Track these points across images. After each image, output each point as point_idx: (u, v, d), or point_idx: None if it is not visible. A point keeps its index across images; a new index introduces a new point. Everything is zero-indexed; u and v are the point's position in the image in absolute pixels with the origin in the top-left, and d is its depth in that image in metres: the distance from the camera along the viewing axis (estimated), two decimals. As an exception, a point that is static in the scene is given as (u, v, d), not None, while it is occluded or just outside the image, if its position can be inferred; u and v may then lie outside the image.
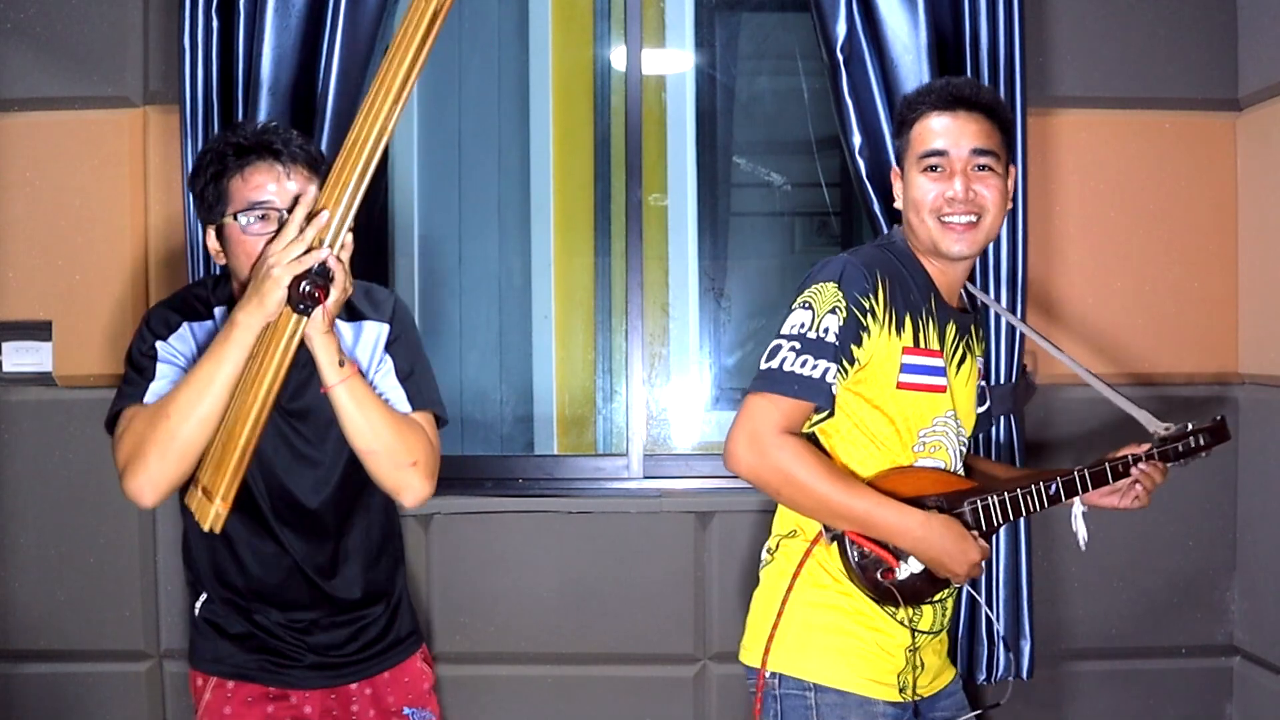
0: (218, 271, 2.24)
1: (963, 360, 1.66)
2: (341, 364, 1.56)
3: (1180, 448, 1.65)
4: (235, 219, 1.56)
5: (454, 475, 2.51)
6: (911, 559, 1.55)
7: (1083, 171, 2.42)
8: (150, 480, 1.52)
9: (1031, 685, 2.38)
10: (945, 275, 1.65)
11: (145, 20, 2.40)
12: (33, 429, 2.44)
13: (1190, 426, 1.67)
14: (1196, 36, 2.41)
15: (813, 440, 1.60)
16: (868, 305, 1.53)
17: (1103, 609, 2.45)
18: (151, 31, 2.40)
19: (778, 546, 1.67)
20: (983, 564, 1.59)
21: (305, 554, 1.71)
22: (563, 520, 2.45)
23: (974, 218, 1.58)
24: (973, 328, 1.71)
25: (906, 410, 1.57)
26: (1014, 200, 2.25)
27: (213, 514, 1.56)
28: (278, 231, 1.52)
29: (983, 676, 2.30)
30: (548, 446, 2.99)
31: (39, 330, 2.40)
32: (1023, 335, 2.28)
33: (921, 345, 1.57)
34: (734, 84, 3.13)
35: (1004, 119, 1.63)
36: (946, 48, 2.26)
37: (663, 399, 2.96)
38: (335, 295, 1.51)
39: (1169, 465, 1.66)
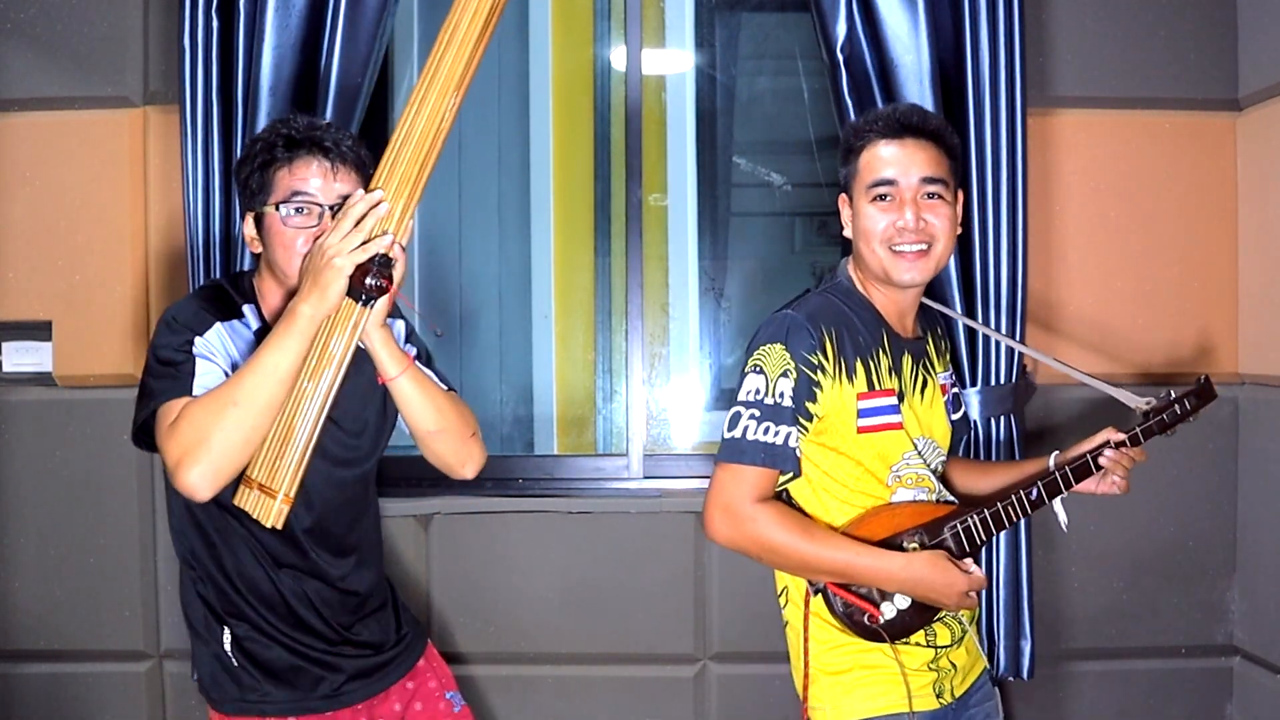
0: (219, 267, 2.26)
1: (925, 385, 1.66)
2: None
3: (1166, 418, 1.64)
4: (276, 209, 1.55)
5: (454, 475, 2.51)
6: (897, 597, 1.57)
7: (1083, 171, 2.42)
8: (213, 470, 1.45)
9: (1031, 685, 2.38)
10: (896, 304, 1.65)
11: (145, 20, 2.40)
12: (33, 429, 2.44)
13: (1173, 394, 1.66)
14: (1196, 36, 2.41)
15: (785, 496, 1.61)
16: (816, 361, 1.53)
17: (1103, 609, 2.45)
18: (151, 31, 2.40)
19: (783, 604, 1.69)
20: (976, 592, 1.59)
21: (329, 562, 1.70)
22: (563, 520, 2.45)
23: (925, 246, 1.58)
24: (930, 348, 1.71)
25: (871, 452, 1.58)
26: (1014, 201, 2.26)
27: (275, 510, 1.52)
28: (333, 223, 1.51)
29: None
30: (548, 446, 2.99)
31: (39, 330, 2.40)
32: (1025, 337, 2.29)
33: (876, 387, 1.58)
34: (734, 84, 3.13)
35: (951, 145, 1.62)
36: (946, 48, 2.26)
37: (663, 399, 2.96)
38: (397, 284, 1.51)
39: (1164, 434, 1.65)
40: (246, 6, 2.23)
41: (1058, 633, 2.44)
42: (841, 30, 2.28)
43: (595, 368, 3.03)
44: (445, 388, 1.72)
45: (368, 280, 1.47)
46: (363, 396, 1.68)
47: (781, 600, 1.69)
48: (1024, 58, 2.25)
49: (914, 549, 1.57)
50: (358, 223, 1.49)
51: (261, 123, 2.21)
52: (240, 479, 1.52)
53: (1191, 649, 2.46)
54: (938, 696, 1.61)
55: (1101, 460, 1.63)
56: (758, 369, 1.55)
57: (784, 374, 1.53)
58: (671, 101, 3.04)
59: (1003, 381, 2.28)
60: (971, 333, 2.27)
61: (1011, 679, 2.31)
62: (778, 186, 3.17)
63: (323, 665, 1.69)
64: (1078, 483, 1.64)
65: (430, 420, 1.63)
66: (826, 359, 1.54)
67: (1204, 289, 2.43)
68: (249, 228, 1.61)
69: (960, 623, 1.66)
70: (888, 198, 1.58)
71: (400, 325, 1.75)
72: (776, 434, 1.52)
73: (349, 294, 1.48)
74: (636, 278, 2.59)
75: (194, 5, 2.25)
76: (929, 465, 1.63)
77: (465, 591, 2.45)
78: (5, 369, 2.42)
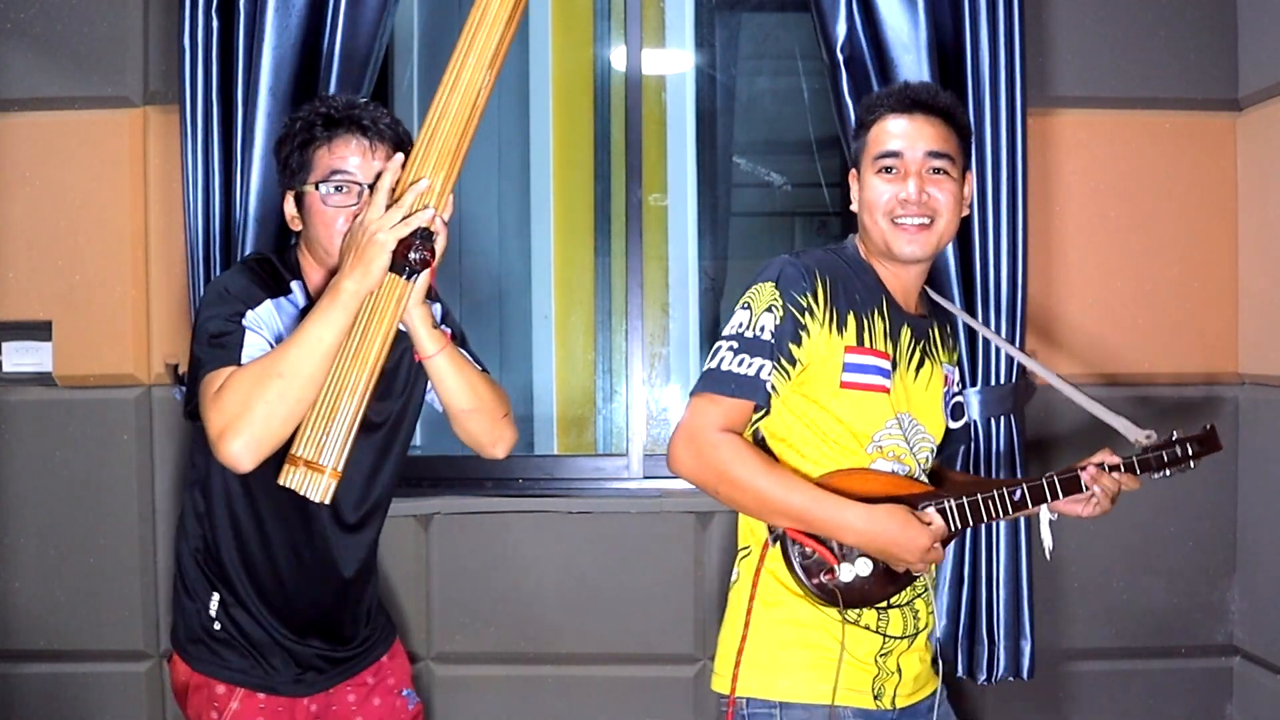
0: (219, 267, 2.26)
1: (921, 364, 1.63)
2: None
3: (1165, 456, 1.59)
4: (316, 188, 1.57)
5: (454, 475, 2.51)
6: (858, 561, 1.52)
7: (1083, 171, 2.42)
8: (256, 441, 1.45)
9: (1031, 685, 2.38)
10: (899, 279, 1.63)
11: (145, 20, 2.40)
12: (33, 429, 2.44)
13: (1175, 435, 1.60)
14: (1196, 36, 2.41)
15: (764, 444, 1.59)
16: (805, 304, 1.52)
17: (1103, 609, 2.45)
18: (151, 31, 2.40)
19: (739, 564, 1.65)
20: (942, 549, 1.53)
21: (334, 537, 1.70)
22: (563, 520, 2.45)
23: (927, 220, 1.57)
24: (935, 333, 1.68)
25: (853, 411, 1.55)
26: (1014, 201, 2.26)
27: (324, 485, 1.52)
28: (371, 199, 1.51)
29: (983, 676, 2.30)
30: (548, 446, 2.99)
31: (39, 330, 2.41)
32: (1024, 337, 2.29)
33: (866, 345, 1.55)
34: (734, 84, 3.13)
35: (962, 124, 1.62)
36: (946, 48, 2.26)
37: (663, 399, 2.96)
38: (438, 257, 1.52)
39: (1160, 473, 1.59)
40: (246, 6, 2.23)
41: (1058, 633, 2.44)
42: (841, 30, 2.28)
43: (595, 368, 3.03)
44: (480, 368, 1.73)
45: (411, 254, 1.49)
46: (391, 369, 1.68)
47: (741, 554, 1.64)
48: (1024, 58, 2.26)
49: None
50: (398, 198, 1.50)
51: (261, 123, 2.21)
52: (284, 459, 1.52)
53: (1191, 649, 2.46)
54: (875, 697, 1.56)
55: (1084, 478, 1.56)
56: (745, 306, 1.55)
57: (769, 309, 1.52)
58: (671, 101, 3.04)
59: (1003, 382, 2.28)
60: (972, 331, 2.26)
61: (1011, 679, 2.31)
62: (778, 186, 3.18)
63: (288, 651, 1.70)
64: (1065, 495, 1.57)
65: (465, 399, 1.65)
66: (817, 304, 1.53)
67: (1204, 289, 2.43)
68: (289, 206, 1.62)
69: (915, 616, 1.60)
70: (893, 170, 1.58)
71: (438, 306, 1.75)
72: (749, 365, 1.51)
73: (392, 269, 1.49)
74: (636, 278, 2.59)
75: (194, 5, 2.25)
76: (909, 443, 1.60)
77: (465, 591, 2.45)
78: (5, 369, 2.42)
